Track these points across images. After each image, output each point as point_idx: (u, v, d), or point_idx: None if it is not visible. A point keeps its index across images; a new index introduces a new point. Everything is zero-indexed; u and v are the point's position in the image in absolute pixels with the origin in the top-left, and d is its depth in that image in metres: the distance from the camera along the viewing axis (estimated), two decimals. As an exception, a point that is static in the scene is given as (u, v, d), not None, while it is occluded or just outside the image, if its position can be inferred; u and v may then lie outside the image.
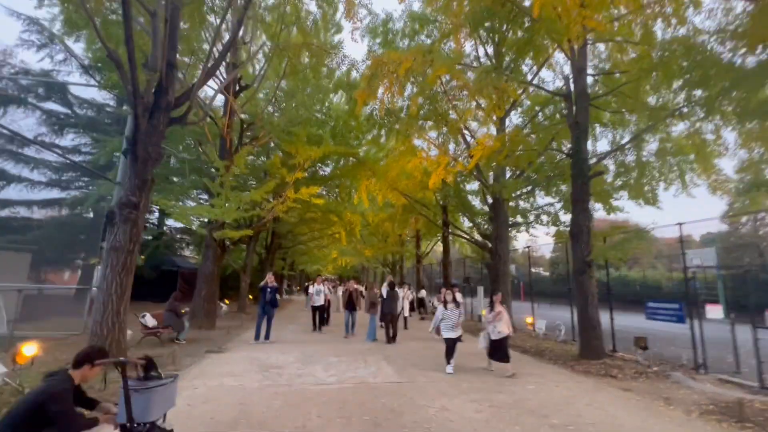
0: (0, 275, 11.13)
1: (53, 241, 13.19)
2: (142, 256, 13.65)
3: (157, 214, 22.05)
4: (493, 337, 6.67)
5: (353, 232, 20.33)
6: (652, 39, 8.45)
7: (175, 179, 13.11)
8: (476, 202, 17.04)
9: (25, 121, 15.43)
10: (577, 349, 8.39)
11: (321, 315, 11.56)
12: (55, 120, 15.10)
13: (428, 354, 8.27)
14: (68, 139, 15.69)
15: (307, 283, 39.09)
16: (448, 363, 6.65)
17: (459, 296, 10.81)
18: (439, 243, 25.40)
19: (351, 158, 15.38)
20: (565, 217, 14.89)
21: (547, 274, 38.96)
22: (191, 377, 5.76)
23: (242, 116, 12.18)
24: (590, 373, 6.90)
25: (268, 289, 9.33)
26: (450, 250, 18.70)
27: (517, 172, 12.70)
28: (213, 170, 10.99)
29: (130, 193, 6.45)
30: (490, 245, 13.20)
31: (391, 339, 9.47)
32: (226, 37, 9.92)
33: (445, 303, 7.10)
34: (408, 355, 8.15)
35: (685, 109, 8.77)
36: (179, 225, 21.49)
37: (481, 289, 15.99)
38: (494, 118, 12.73)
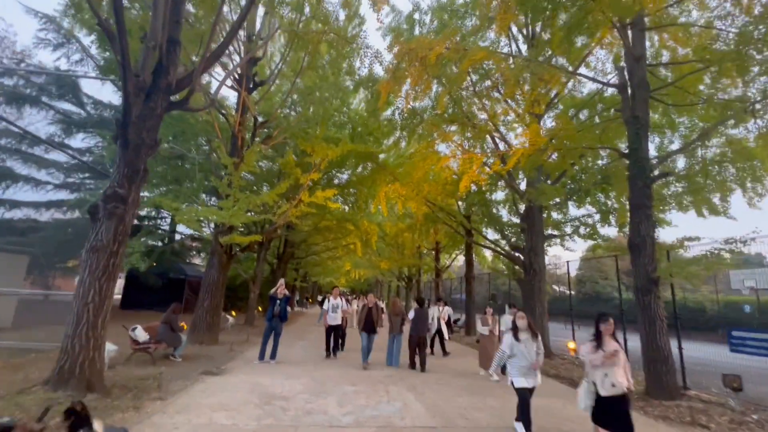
0: (-4, 278, 10.36)
1: (54, 244, 12.46)
2: (144, 263, 12.81)
3: (169, 220, 21.42)
4: (604, 393, 3.72)
5: (369, 243, 19.23)
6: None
7: (183, 182, 12.28)
8: (502, 212, 15.78)
9: (36, 123, 14.99)
10: (642, 385, 6.94)
11: (336, 337, 9.42)
12: (66, 120, 14.62)
13: (463, 385, 6.95)
14: (79, 140, 15.18)
15: (321, 296, 38.01)
16: (525, 427, 4.27)
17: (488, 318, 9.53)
18: (460, 256, 24.02)
19: (370, 163, 14.35)
20: (603, 230, 13.56)
21: (570, 292, 36.91)
22: (174, 410, 4.64)
23: (256, 114, 11.33)
24: (669, 419, 5.49)
25: (278, 300, 8.23)
26: (473, 264, 17.32)
27: (556, 177, 11.44)
28: (223, 173, 10.09)
29: (117, 185, 5.51)
30: (522, 258, 11.86)
31: (420, 366, 7.95)
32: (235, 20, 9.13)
33: (515, 331, 4.60)
34: (439, 387, 6.85)
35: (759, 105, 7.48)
36: (191, 232, 20.84)
37: (508, 309, 14.55)
38: (527, 119, 11.64)
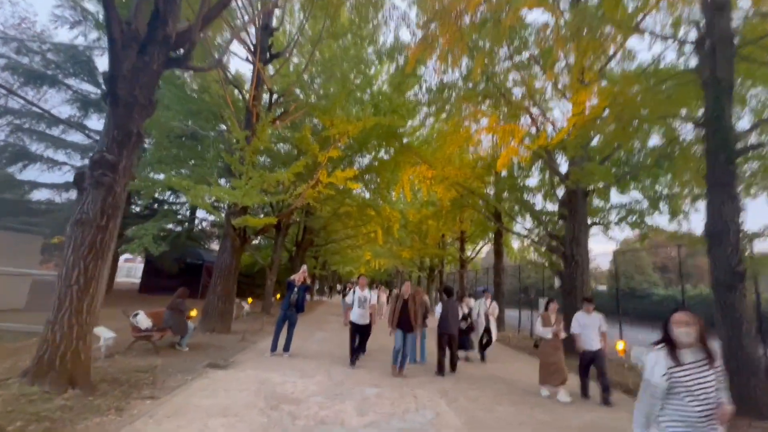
0: (11, 259, 10.07)
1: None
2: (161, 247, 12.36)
3: (188, 205, 21.15)
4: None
5: (391, 231, 18.32)
6: None
7: (197, 162, 11.65)
8: (535, 200, 14.46)
9: (53, 102, 14.70)
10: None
11: (363, 339, 7.22)
12: (83, 99, 14.27)
13: (501, 390, 5.99)
14: (95, 120, 14.85)
15: (342, 286, 37.52)
16: None
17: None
18: (485, 247, 22.81)
19: (393, 146, 13.34)
20: (650, 219, 12.10)
21: (603, 288, 35.06)
22: (164, 414, 3.90)
23: (272, 88, 10.50)
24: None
25: (296, 288, 7.45)
26: (503, 255, 16.15)
27: (602, 158, 10.12)
28: (235, 148, 9.32)
29: (105, 150, 4.76)
30: (563, 249, 10.65)
31: (451, 367, 6.80)
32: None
33: (673, 350, 2.18)
34: (474, 392, 5.91)
35: None
36: (211, 217, 20.49)
37: (542, 303, 13.39)
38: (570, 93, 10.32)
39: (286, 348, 7.30)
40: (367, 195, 19.02)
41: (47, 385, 4.14)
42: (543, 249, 12.82)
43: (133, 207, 17.12)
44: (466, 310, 8.19)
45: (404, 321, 6.48)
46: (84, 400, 3.99)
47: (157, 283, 16.92)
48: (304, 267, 7.62)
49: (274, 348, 7.28)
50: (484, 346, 8.40)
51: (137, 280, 21.52)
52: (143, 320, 6.56)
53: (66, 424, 3.41)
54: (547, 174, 13.60)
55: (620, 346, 9.31)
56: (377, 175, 15.31)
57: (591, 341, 5.64)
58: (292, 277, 7.54)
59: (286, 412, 4.19)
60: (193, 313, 8.52)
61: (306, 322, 12.83)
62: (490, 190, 14.75)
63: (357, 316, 7.07)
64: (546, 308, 6.14)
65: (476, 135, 8.69)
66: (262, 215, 13.05)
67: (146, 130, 12.09)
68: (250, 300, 13.29)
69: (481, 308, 8.57)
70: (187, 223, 19.97)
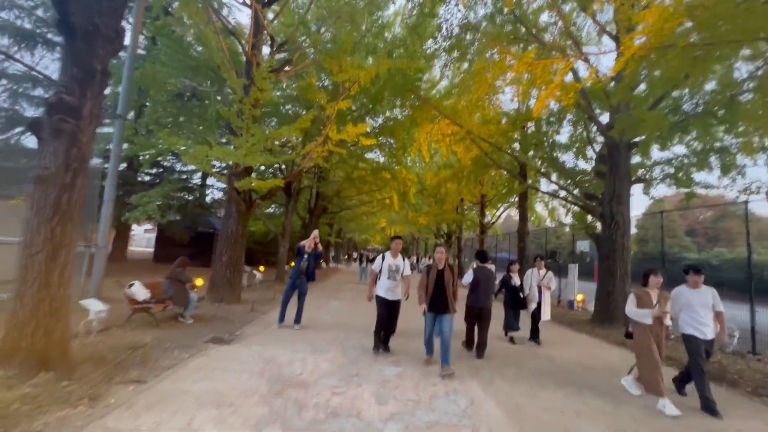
0: (11, 228, 9.64)
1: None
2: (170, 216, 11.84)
3: (201, 173, 20.57)
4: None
5: (407, 196, 17.39)
6: None
7: (195, 122, 10.78)
8: (565, 158, 13.12)
9: (47, 64, 13.88)
10: None
11: (392, 318, 5.64)
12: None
13: (542, 369, 5.23)
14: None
15: (357, 253, 37.22)
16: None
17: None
18: (507, 211, 21.71)
19: (408, 100, 12.12)
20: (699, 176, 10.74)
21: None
22: (146, 403, 3.26)
23: (272, 34, 9.35)
24: None
25: (306, 255, 6.72)
26: (527, 218, 15.08)
27: (652, 103, 8.75)
28: (232, 99, 8.34)
29: (63, 90, 3.91)
30: (601, 209, 9.56)
31: (477, 350, 5.57)
32: None
33: None
34: (510, 369, 5.17)
35: None
36: (223, 185, 19.90)
37: (574, 269, 12.47)
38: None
39: (297, 320, 6.68)
40: (382, 159, 18.03)
41: (16, 368, 3.55)
42: (575, 209, 11.75)
43: (140, 175, 16.63)
44: (516, 281, 6.92)
45: (438, 299, 4.78)
46: (55, 387, 3.38)
47: (170, 252, 16.62)
48: (315, 232, 6.83)
49: (281, 319, 6.67)
50: (535, 326, 6.84)
51: (150, 249, 21.44)
52: (139, 291, 5.98)
53: (21, 419, 2.79)
54: (580, 128, 12.27)
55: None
56: (392, 136, 14.19)
57: (701, 326, 4.05)
58: (302, 243, 6.79)
59: (292, 400, 3.52)
60: (199, 282, 7.97)
61: (319, 291, 12.33)
62: (516, 146, 13.50)
63: (385, 289, 5.40)
64: (645, 282, 4.37)
65: (507, 75, 7.33)
66: (261, 170, 12.19)
67: (143, 89, 11.31)
68: (262, 268, 12.81)
69: (533, 279, 6.87)
70: (197, 192, 19.47)
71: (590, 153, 11.78)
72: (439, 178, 15.62)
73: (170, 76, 10.13)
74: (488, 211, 20.89)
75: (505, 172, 14.40)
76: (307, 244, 6.76)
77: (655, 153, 11.45)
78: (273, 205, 24.07)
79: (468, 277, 5.79)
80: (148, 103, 11.43)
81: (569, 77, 9.21)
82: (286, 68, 9.32)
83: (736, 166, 9.61)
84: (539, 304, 6.81)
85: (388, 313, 5.44)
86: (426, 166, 21.95)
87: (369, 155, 19.63)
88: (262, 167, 13.99)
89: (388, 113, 14.82)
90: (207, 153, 7.76)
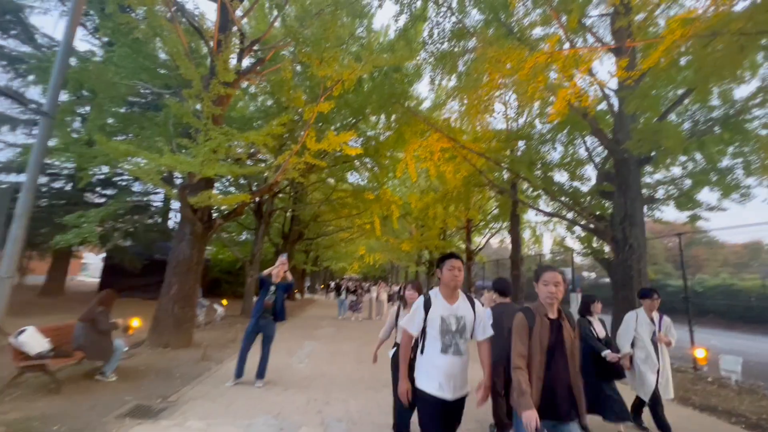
0: None
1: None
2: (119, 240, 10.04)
3: (162, 195, 18.62)
4: None
5: (390, 220, 16.14)
6: None
7: (151, 130, 9.28)
8: (559, 178, 12.35)
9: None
10: None
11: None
12: (15, 59, 11.72)
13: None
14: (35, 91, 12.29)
15: (339, 282, 35.21)
16: None
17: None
18: (494, 236, 20.78)
19: (395, 112, 11.11)
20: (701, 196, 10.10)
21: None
22: None
23: (242, 29, 8.16)
24: None
25: (272, 287, 5.22)
26: (520, 243, 14.06)
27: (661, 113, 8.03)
28: (193, 98, 6.92)
29: None
30: (612, 232, 8.57)
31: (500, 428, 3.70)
32: None
33: None
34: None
35: None
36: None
37: (576, 297, 11.35)
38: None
39: (260, 374, 5.07)
40: (363, 183, 16.87)
41: None
42: (579, 233, 10.80)
43: (92, 195, 14.64)
44: (599, 330, 4.12)
45: (558, 389, 2.18)
46: None
47: (120, 282, 14.48)
48: (283, 257, 5.36)
49: (239, 374, 5.04)
50: (656, 415, 3.94)
51: (96, 280, 18.64)
52: (32, 340, 4.25)
53: None
54: (572, 148, 11.60)
55: (699, 353, 7.31)
56: (376, 155, 13.08)
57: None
58: (266, 271, 5.28)
59: None
60: (135, 323, 6.26)
61: (292, 328, 10.60)
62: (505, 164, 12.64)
63: (440, 374, 2.36)
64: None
65: (536, 59, 6.16)
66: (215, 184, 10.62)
67: (88, 90, 9.76)
68: (225, 302, 10.99)
69: (643, 328, 4.07)
70: (158, 215, 17.51)
71: (586, 172, 11.06)
72: (426, 200, 14.47)
73: (122, 77, 8.69)
74: (474, 237, 19.88)
75: (496, 193, 13.48)
76: (274, 272, 5.27)
77: (658, 172, 10.72)
78: (244, 232, 22.24)
79: (486, 314, 4.11)
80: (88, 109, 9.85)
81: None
82: (258, 69, 8.07)
83: (739, 187, 9.00)
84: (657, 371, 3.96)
85: (441, 425, 2.36)
86: (408, 190, 20.97)
87: (350, 179, 18.56)
88: (226, 181, 12.45)
89: (371, 132, 13.79)
90: (157, 161, 6.26)
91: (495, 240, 26.03)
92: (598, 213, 9.34)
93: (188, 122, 6.37)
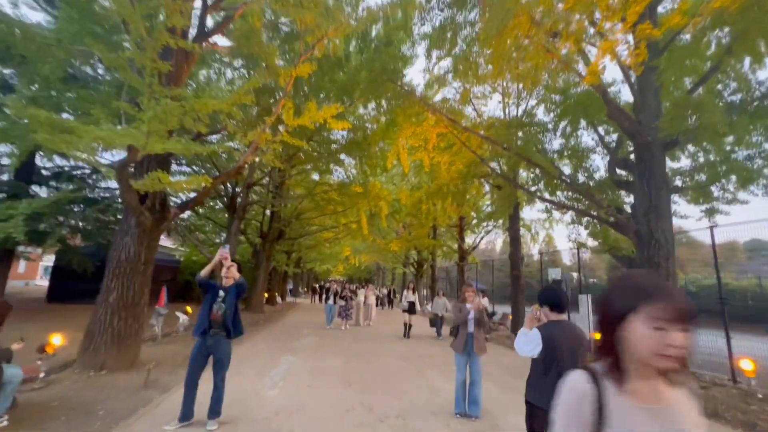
0: None
1: None
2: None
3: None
4: None
5: (378, 217, 14.92)
6: None
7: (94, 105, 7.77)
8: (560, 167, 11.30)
9: None
10: None
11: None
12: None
13: None
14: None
15: (324, 284, 33.66)
16: None
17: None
18: (488, 234, 19.75)
19: (388, 91, 9.87)
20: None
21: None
22: None
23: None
24: None
25: (219, 291, 3.88)
26: (520, 241, 13.00)
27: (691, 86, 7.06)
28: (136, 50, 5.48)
29: None
30: (635, 226, 7.53)
31: None
32: None
33: None
34: None
35: None
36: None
37: (585, 299, 10.30)
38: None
39: (213, 411, 3.72)
40: (350, 179, 15.56)
41: None
42: (591, 226, 9.81)
43: (48, 189, 12.78)
44: None
45: None
46: None
47: (70, 288, 12.78)
48: (224, 249, 4.00)
49: (186, 414, 3.66)
50: None
51: (44, 284, 16.36)
52: None
53: None
54: (574, 138, 10.62)
55: (746, 364, 6.29)
56: (364, 143, 11.81)
57: None
58: (205, 270, 3.92)
59: None
60: (57, 339, 4.84)
61: (267, 339, 9.20)
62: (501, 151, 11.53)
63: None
64: None
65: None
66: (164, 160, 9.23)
67: (13, 54, 8.18)
68: (189, 309, 9.48)
69: None
70: (106, 205, 15.79)
71: (594, 163, 10.05)
72: (418, 194, 13.21)
73: (69, 41, 7.19)
74: (467, 235, 18.83)
75: (493, 187, 12.39)
76: (220, 269, 3.94)
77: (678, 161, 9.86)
78: (223, 232, 20.51)
79: (529, 340, 2.66)
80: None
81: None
82: (224, 28, 6.69)
83: (760, 176, 8.17)
84: None
85: None
86: (396, 188, 19.73)
87: (337, 176, 17.23)
88: (191, 168, 10.92)
89: (359, 122, 12.50)
90: (94, 134, 4.83)
91: (483, 241, 25.05)
92: (616, 206, 8.31)
93: (127, 80, 4.96)
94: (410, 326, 11.07)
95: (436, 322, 11.56)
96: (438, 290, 13.63)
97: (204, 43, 6.70)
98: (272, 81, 6.02)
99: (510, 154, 7.98)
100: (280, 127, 6.25)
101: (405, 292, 12.82)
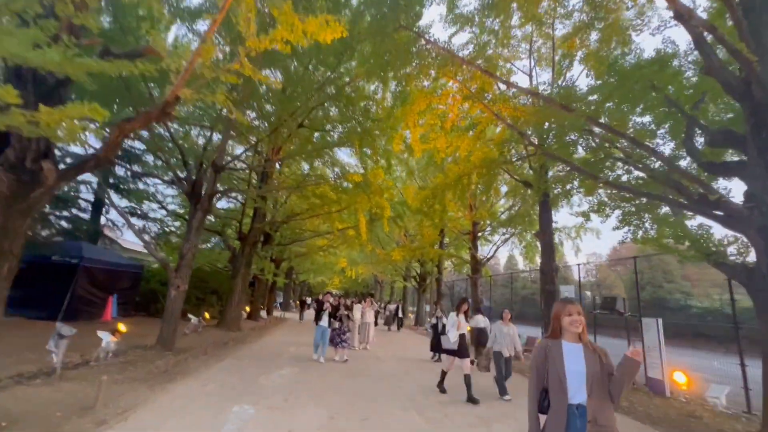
0: None
1: None
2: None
3: (95, 183, 14.58)
4: None
5: (379, 219, 12.58)
6: None
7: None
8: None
9: None
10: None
11: None
12: None
13: None
14: None
15: (318, 298, 31.09)
16: None
17: None
18: (504, 243, 17.29)
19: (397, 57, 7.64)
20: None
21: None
22: None
23: None
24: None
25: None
26: (554, 249, 10.56)
27: None
28: None
29: None
30: (764, 221, 5.17)
31: None
32: None
33: None
34: None
35: None
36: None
37: (654, 326, 7.77)
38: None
39: None
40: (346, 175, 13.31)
41: None
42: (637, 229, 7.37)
43: None
44: None
45: None
46: None
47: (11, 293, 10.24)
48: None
49: None
50: None
51: None
52: None
53: None
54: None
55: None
56: (363, 136, 9.58)
57: None
58: None
59: None
60: None
61: (222, 372, 6.65)
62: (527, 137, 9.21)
63: None
64: None
65: None
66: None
67: None
68: (120, 326, 6.97)
69: None
70: (74, 206, 13.54)
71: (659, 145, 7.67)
72: (430, 190, 10.66)
73: None
74: (481, 244, 16.45)
75: (517, 185, 10.03)
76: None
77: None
78: (213, 238, 18.10)
79: None
80: None
81: None
82: None
83: None
84: None
85: None
86: (416, 162, 16.98)
87: (329, 175, 15.03)
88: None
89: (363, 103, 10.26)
90: None
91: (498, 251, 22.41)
92: (717, 194, 5.93)
93: None
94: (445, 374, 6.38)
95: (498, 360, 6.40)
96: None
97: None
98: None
99: (576, 116, 5.62)
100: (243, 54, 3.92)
101: (451, 316, 6.32)
